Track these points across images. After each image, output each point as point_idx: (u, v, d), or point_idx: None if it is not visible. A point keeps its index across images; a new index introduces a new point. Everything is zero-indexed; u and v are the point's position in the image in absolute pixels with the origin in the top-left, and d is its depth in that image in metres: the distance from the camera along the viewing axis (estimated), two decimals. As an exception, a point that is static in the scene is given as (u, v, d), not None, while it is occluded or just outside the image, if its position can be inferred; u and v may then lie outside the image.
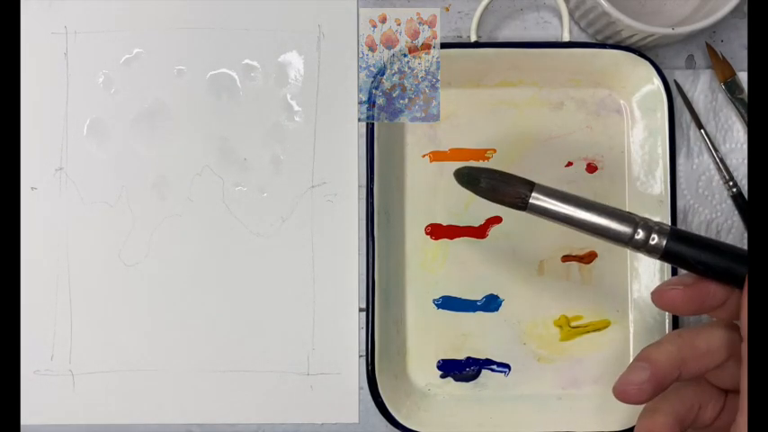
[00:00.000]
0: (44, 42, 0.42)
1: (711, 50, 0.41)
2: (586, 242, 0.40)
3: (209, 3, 0.42)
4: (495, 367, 0.40)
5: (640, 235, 0.30)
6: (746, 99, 0.40)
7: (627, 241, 0.30)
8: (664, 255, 0.30)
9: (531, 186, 0.31)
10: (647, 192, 0.40)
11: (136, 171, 0.42)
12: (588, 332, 0.40)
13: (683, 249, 0.29)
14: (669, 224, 0.30)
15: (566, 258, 0.41)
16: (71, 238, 0.41)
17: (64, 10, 0.42)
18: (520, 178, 0.31)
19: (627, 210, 0.34)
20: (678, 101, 0.40)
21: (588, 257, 0.41)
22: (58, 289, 0.41)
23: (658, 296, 0.30)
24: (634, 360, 0.30)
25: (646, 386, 0.29)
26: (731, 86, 0.40)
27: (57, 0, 0.42)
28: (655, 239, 0.30)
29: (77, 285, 0.41)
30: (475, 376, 0.40)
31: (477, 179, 0.32)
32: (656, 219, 0.31)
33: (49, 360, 0.41)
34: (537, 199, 0.31)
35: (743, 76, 0.41)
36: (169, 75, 0.42)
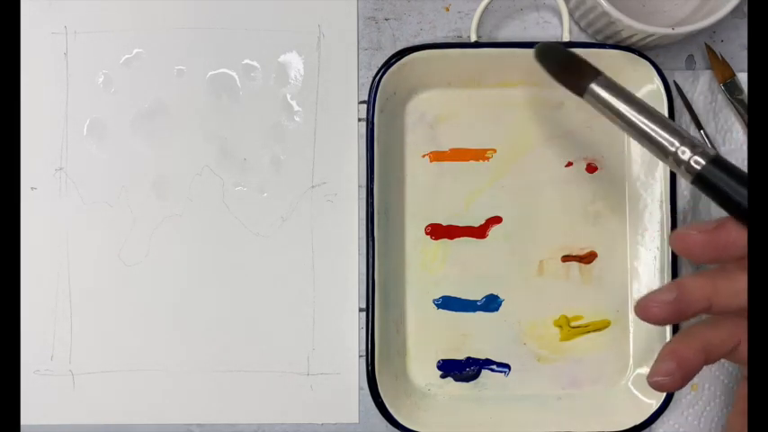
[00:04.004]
0: (44, 42, 0.42)
1: (711, 51, 0.41)
2: (586, 242, 0.40)
3: (209, 3, 0.42)
4: (495, 367, 0.40)
5: (682, 150, 0.30)
6: (746, 100, 0.40)
7: (666, 154, 0.30)
8: (697, 178, 0.29)
9: (596, 75, 0.32)
10: (647, 192, 0.40)
11: (136, 171, 0.42)
12: (588, 332, 0.40)
13: (718, 179, 0.29)
14: (715, 151, 0.30)
15: (566, 258, 0.41)
16: (71, 238, 0.41)
17: (64, 10, 0.42)
18: (589, 65, 0.33)
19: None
20: (678, 101, 0.40)
21: (588, 257, 0.41)
22: (58, 289, 0.41)
23: (675, 239, 0.30)
24: (668, 283, 0.30)
25: (668, 307, 0.29)
26: (730, 87, 0.40)
27: (57, 0, 0.42)
28: (694, 159, 0.29)
29: (77, 285, 0.41)
30: (475, 376, 0.40)
31: (549, 54, 0.34)
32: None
33: (49, 360, 0.41)
34: (597, 88, 0.32)
35: (742, 77, 0.41)
36: (169, 75, 0.42)
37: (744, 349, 0.30)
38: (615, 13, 0.37)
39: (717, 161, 0.29)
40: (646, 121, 0.31)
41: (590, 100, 0.32)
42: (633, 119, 0.31)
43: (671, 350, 0.31)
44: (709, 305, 0.30)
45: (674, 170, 0.31)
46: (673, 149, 0.30)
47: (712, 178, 0.29)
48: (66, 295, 0.41)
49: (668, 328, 0.38)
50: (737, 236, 0.29)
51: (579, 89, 0.32)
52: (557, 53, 0.34)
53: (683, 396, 0.40)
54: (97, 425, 0.41)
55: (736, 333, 0.31)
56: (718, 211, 0.40)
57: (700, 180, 0.29)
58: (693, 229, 0.29)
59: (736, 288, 0.29)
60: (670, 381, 0.30)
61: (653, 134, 0.30)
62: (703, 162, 0.29)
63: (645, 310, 0.30)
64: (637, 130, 0.31)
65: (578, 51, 0.39)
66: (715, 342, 0.30)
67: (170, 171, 0.42)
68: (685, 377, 0.30)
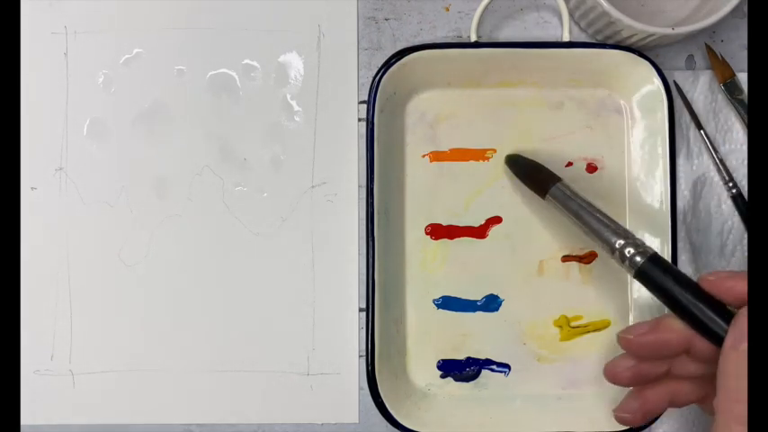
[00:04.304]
0: (44, 42, 0.42)
1: (711, 51, 0.41)
2: (586, 242, 0.40)
3: (209, 3, 0.42)
4: (495, 367, 0.40)
5: (625, 248, 0.33)
6: (746, 100, 0.40)
7: (612, 250, 0.34)
8: (637, 273, 0.33)
9: (556, 181, 0.37)
10: (646, 192, 0.40)
11: (136, 171, 0.42)
12: (588, 332, 0.40)
13: (655, 274, 0.32)
14: (653, 250, 0.33)
15: (566, 258, 0.41)
16: (71, 238, 0.41)
17: (64, 10, 0.42)
18: (550, 173, 0.38)
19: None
20: (678, 101, 0.40)
21: (588, 257, 0.41)
22: (58, 289, 0.41)
23: (620, 341, 0.33)
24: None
25: (628, 372, 0.33)
26: (730, 87, 0.40)
27: (57, 0, 0.42)
28: (635, 257, 0.33)
29: (77, 285, 0.41)
30: (475, 376, 0.40)
31: (518, 163, 0.40)
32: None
33: (49, 360, 0.41)
34: (556, 192, 0.37)
35: (742, 77, 0.41)
36: (169, 75, 0.42)
37: (711, 402, 0.31)
38: (615, 13, 0.37)
39: (654, 259, 0.33)
40: (596, 222, 0.35)
41: (550, 200, 0.37)
42: (586, 218, 0.35)
43: (639, 391, 0.33)
44: (669, 370, 0.33)
45: (620, 265, 0.34)
46: (618, 247, 0.34)
47: (650, 273, 0.32)
48: (67, 295, 0.41)
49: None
50: (672, 334, 0.31)
51: (542, 192, 0.37)
52: (523, 162, 0.39)
53: (683, 396, 0.40)
54: (97, 425, 0.41)
55: (703, 388, 0.33)
56: (717, 211, 0.41)
57: (640, 275, 0.33)
58: (632, 333, 0.32)
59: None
60: (631, 418, 0.33)
61: (602, 233, 0.35)
62: (642, 260, 0.33)
63: (611, 375, 0.33)
64: (590, 228, 0.35)
65: (578, 51, 0.39)
66: (681, 392, 0.33)
67: (170, 171, 0.42)
68: (646, 416, 0.33)
